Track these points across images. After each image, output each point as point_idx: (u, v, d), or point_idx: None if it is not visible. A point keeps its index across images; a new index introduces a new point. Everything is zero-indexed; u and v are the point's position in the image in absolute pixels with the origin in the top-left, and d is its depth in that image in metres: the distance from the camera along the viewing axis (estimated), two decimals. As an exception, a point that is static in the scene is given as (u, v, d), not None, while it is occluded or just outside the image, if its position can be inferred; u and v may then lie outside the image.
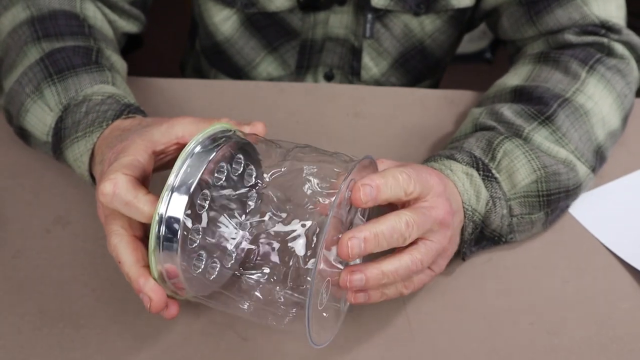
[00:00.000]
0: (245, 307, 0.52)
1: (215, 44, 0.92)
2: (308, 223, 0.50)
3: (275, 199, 0.52)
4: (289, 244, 0.50)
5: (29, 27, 0.70)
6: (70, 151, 0.62)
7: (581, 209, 0.70)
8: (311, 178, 0.51)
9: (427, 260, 0.55)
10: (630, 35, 0.76)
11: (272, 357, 0.57)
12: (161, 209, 0.48)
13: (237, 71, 0.94)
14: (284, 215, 0.51)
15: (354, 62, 0.91)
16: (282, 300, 0.50)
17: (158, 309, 0.51)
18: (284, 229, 0.50)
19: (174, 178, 0.49)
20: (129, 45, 0.85)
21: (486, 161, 0.64)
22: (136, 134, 0.56)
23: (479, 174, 0.62)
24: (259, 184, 0.54)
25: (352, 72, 0.92)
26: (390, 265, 0.53)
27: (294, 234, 0.50)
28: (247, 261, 0.52)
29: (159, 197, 0.49)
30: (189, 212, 0.49)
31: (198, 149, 0.50)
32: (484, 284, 0.64)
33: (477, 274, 0.64)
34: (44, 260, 0.63)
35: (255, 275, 0.51)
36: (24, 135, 0.68)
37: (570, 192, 0.67)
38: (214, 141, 0.51)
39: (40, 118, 0.65)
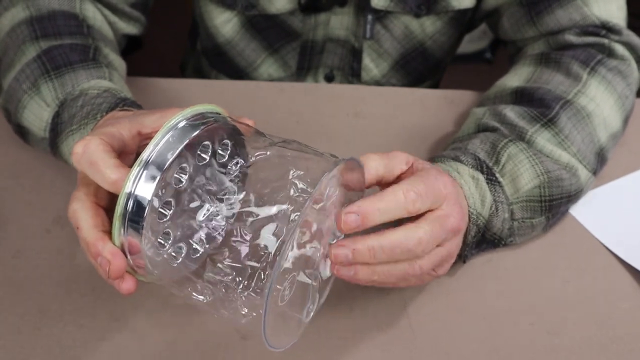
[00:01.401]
0: (204, 298, 0.50)
1: (216, 45, 0.92)
2: (282, 218, 0.48)
3: (254, 189, 0.50)
4: (260, 241, 0.48)
5: (28, 26, 0.70)
6: (65, 145, 0.62)
7: (581, 209, 0.70)
8: (295, 180, 0.49)
9: (427, 268, 0.54)
10: (631, 36, 0.76)
11: (271, 356, 0.57)
12: (131, 180, 0.46)
13: (238, 72, 0.94)
14: (260, 204, 0.49)
15: (354, 63, 0.91)
16: (243, 300, 0.49)
17: (118, 273, 0.48)
18: (258, 218, 0.48)
19: (150, 149, 0.47)
20: (129, 47, 0.85)
21: (490, 164, 0.64)
22: (126, 118, 0.55)
23: (484, 177, 0.62)
24: (241, 170, 0.52)
25: (353, 74, 0.92)
26: (384, 267, 0.52)
27: (267, 227, 0.48)
28: (213, 254, 0.50)
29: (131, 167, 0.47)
30: (163, 184, 0.47)
31: (183, 123, 0.48)
32: (484, 285, 0.63)
33: (477, 274, 0.64)
34: (44, 260, 0.63)
35: (220, 270, 0.49)
36: (22, 132, 0.68)
37: (572, 198, 0.67)
38: (202, 118, 0.49)
39: (37, 114, 0.65)
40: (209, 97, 0.82)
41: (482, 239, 0.63)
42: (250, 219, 0.49)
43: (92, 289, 0.60)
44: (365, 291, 0.61)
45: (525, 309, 0.62)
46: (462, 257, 0.62)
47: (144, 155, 0.47)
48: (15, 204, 0.67)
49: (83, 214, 0.50)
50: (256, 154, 0.51)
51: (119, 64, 0.73)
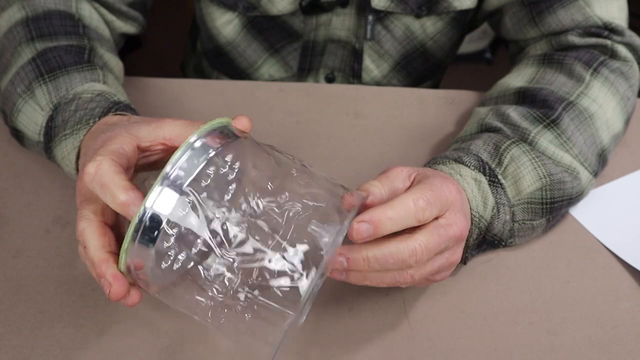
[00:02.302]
0: (201, 312, 0.50)
1: (217, 46, 0.92)
2: (293, 254, 0.48)
3: (263, 227, 0.49)
4: (271, 280, 0.48)
5: (24, 27, 0.70)
6: (58, 149, 0.62)
7: (581, 209, 0.70)
8: (307, 219, 0.49)
9: (419, 278, 0.54)
10: (633, 37, 0.76)
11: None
12: (150, 198, 0.46)
13: (240, 73, 0.94)
14: (270, 245, 0.48)
15: (355, 64, 0.91)
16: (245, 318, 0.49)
17: (118, 296, 0.49)
18: (267, 259, 0.48)
19: (169, 169, 0.47)
20: (128, 46, 0.85)
21: (493, 166, 0.63)
22: (123, 127, 0.55)
23: (486, 179, 0.62)
24: (249, 206, 0.51)
25: (353, 75, 0.92)
26: (374, 273, 0.53)
27: (276, 265, 0.48)
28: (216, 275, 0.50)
29: (138, 187, 0.48)
30: (174, 208, 0.47)
31: (199, 143, 0.48)
32: (484, 284, 0.63)
33: (477, 274, 0.64)
34: (44, 260, 0.63)
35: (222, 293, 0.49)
36: (18, 135, 0.68)
37: (573, 200, 0.67)
38: (219, 137, 0.50)
39: (32, 118, 0.65)
40: (208, 97, 0.82)
41: (482, 240, 0.63)
42: (259, 251, 0.49)
43: (92, 290, 0.60)
44: (364, 291, 0.61)
45: (525, 308, 0.62)
46: (462, 259, 0.62)
47: (164, 173, 0.47)
48: (15, 204, 0.67)
49: (90, 234, 0.51)
50: (268, 196, 0.50)
51: (115, 64, 0.73)
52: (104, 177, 0.49)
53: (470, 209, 0.60)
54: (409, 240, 0.51)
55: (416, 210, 0.51)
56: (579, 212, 0.70)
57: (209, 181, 0.49)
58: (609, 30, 0.76)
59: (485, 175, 0.62)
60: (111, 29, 0.78)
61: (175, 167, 0.48)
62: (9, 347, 0.56)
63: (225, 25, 0.88)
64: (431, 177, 0.55)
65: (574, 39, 0.76)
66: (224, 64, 0.94)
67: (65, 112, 0.62)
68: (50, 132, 0.63)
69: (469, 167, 0.62)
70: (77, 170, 0.61)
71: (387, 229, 0.50)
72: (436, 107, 0.82)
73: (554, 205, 0.65)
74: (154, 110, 0.79)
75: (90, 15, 0.74)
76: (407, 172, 0.57)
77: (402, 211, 0.51)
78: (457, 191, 0.55)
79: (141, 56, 1.81)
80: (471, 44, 2.09)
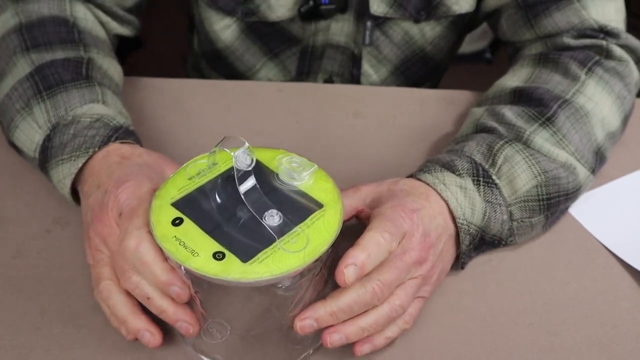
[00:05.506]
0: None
1: (215, 50, 0.92)
2: None
3: None
4: None
5: (18, 35, 0.70)
6: (54, 172, 0.63)
7: (581, 209, 0.70)
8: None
9: (407, 302, 0.55)
10: (629, 39, 0.76)
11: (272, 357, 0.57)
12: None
13: (238, 76, 0.94)
14: None
15: (353, 69, 0.91)
16: None
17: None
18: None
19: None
20: (129, 47, 0.85)
21: (486, 167, 0.64)
22: (143, 174, 0.57)
23: (479, 181, 0.62)
24: None
25: (352, 79, 0.92)
26: (368, 319, 0.53)
27: None
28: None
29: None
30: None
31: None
32: (484, 285, 0.63)
33: (477, 274, 0.64)
34: (44, 260, 0.63)
35: None
36: (14, 146, 0.68)
37: (570, 195, 0.67)
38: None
39: (29, 135, 0.65)
40: (209, 97, 0.82)
41: (481, 241, 0.63)
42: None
43: (92, 289, 0.60)
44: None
45: (525, 309, 0.62)
46: (459, 264, 0.62)
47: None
48: (15, 205, 0.67)
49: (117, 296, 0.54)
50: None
51: (114, 70, 0.73)
52: (146, 255, 0.51)
53: (456, 218, 0.60)
54: (367, 284, 0.52)
55: (384, 243, 0.53)
56: (579, 212, 0.70)
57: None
58: (604, 33, 0.75)
59: (478, 177, 0.62)
60: (107, 30, 0.78)
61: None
62: (9, 347, 0.56)
63: (224, 29, 0.88)
64: (382, 208, 0.57)
65: (569, 40, 0.75)
66: (222, 67, 0.94)
67: (63, 135, 0.63)
68: (47, 152, 0.63)
69: (458, 172, 0.62)
70: (74, 190, 0.63)
71: (371, 265, 0.52)
72: (436, 107, 0.82)
73: (550, 202, 0.65)
74: (154, 110, 0.79)
75: (85, 17, 0.74)
76: (364, 192, 0.60)
77: (375, 248, 0.52)
78: (409, 218, 0.56)
79: (141, 56, 1.81)
80: (471, 44, 2.09)
